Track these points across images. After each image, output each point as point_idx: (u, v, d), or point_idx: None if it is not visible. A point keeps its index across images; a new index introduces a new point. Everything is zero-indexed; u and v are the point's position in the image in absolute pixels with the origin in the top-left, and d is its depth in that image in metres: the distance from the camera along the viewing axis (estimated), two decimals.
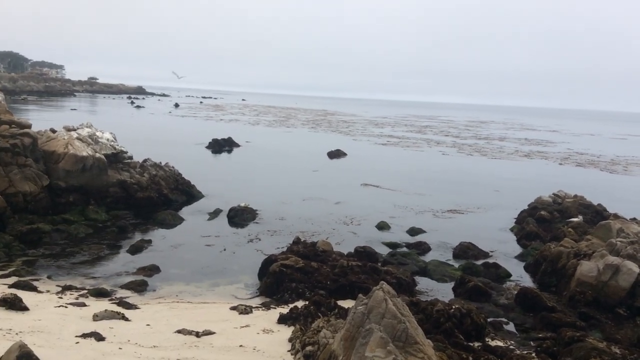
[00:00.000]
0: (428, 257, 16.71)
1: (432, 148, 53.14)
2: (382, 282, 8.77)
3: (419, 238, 18.77)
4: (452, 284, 14.44)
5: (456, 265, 16.19)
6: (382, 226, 20.17)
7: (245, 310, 11.55)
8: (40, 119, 45.59)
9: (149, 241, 16.72)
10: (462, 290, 13.73)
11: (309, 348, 8.86)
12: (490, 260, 16.51)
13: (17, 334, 9.16)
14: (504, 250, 18.16)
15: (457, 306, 11.14)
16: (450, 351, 9.30)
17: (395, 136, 65.01)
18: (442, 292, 13.92)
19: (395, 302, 8.24)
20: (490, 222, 22.25)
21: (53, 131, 20.76)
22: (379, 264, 14.96)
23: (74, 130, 20.69)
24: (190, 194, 23.07)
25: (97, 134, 21.08)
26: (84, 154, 19.30)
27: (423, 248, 17.70)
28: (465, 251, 17.41)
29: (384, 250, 16.97)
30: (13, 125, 18.58)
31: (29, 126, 19.18)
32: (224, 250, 16.53)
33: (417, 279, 14.62)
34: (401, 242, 18.28)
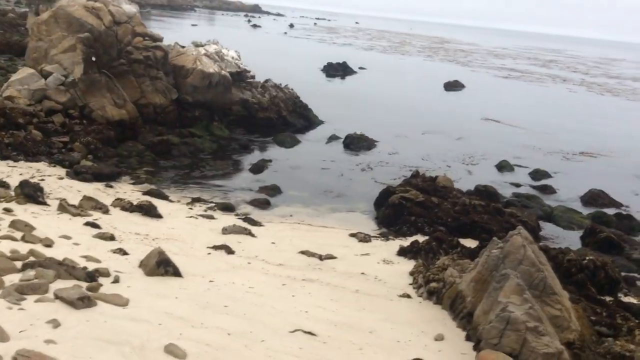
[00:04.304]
0: (553, 202, 15.78)
1: (558, 85, 49.60)
2: (519, 227, 8.34)
3: (544, 182, 17.72)
4: (579, 233, 13.63)
5: (584, 213, 15.20)
6: (504, 166, 19.20)
7: (364, 238, 11.55)
8: (163, 32, 47.17)
9: (270, 161, 17.07)
10: (591, 241, 12.90)
11: (433, 284, 8.71)
12: (624, 211, 15.33)
13: (153, 239, 9.68)
14: (639, 201, 16.77)
15: (591, 257, 10.46)
16: (584, 304, 8.80)
17: (517, 69, 61.21)
18: (568, 240, 13.16)
19: (534, 249, 7.82)
20: (625, 169, 20.56)
21: (181, 46, 21.30)
22: (501, 205, 14.30)
23: (202, 46, 21.10)
24: (307, 118, 23.11)
25: (223, 51, 21.39)
26: (211, 70, 19.70)
27: (548, 192, 16.75)
28: (595, 199, 16.27)
29: (505, 192, 16.22)
30: (146, 38, 19.20)
31: (161, 39, 19.76)
32: (341, 175, 16.56)
33: (542, 224, 13.88)
34: (524, 184, 17.39)
